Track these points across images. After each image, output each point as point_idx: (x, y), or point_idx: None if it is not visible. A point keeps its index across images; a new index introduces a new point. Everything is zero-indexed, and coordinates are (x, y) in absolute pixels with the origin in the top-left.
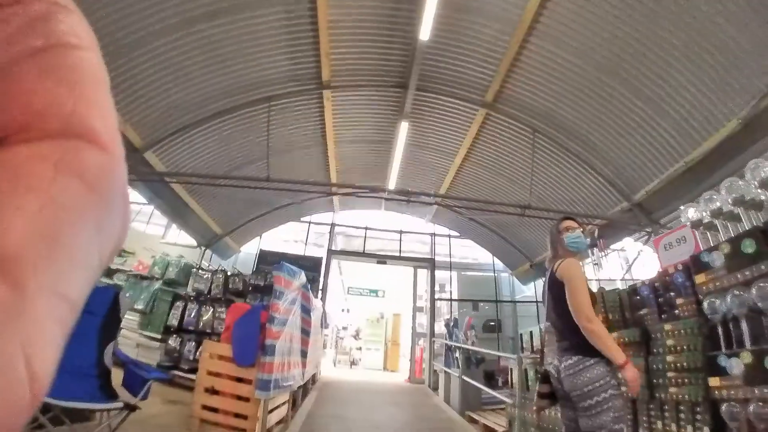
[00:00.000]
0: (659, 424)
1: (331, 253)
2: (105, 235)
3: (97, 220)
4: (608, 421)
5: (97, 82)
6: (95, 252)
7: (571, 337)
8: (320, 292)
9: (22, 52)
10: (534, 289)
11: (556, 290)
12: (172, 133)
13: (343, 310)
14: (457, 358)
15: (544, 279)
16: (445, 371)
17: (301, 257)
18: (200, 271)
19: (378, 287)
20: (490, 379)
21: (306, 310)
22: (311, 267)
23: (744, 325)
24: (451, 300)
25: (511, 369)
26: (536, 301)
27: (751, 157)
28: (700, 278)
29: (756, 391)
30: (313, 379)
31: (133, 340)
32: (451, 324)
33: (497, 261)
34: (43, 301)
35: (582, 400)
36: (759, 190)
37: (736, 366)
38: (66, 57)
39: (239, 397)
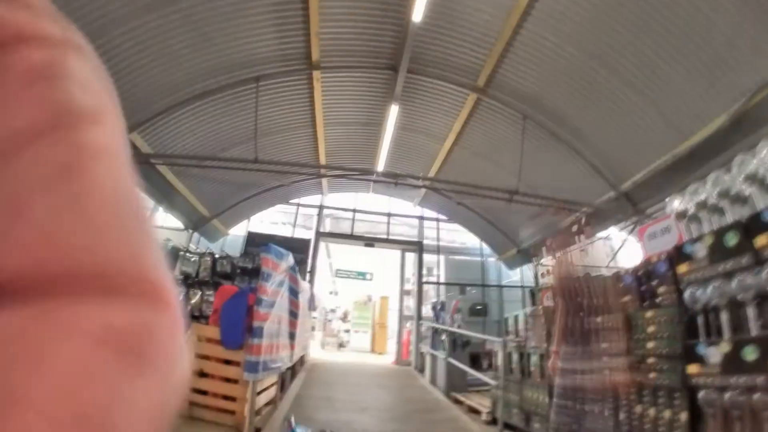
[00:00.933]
0: (638, 408)
1: (319, 235)
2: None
3: (159, 390)
4: None
5: (134, 203)
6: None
7: None
8: (308, 274)
9: (21, 138)
10: (520, 274)
11: None
12: (157, 114)
13: (331, 293)
14: (443, 340)
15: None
16: (432, 354)
17: (289, 239)
18: (188, 254)
19: (366, 270)
20: (475, 362)
21: (294, 292)
22: (299, 249)
23: (723, 316)
24: (438, 283)
25: (496, 352)
26: (522, 286)
27: (737, 152)
28: (682, 268)
29: (732, 380)
30: (302, 360)
31: None
32: (438, 307)
33: (485, 246)
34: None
35: None
36: (744, 185)
37: (714, 355)
38: (88, 168)
39: (228, 380)
